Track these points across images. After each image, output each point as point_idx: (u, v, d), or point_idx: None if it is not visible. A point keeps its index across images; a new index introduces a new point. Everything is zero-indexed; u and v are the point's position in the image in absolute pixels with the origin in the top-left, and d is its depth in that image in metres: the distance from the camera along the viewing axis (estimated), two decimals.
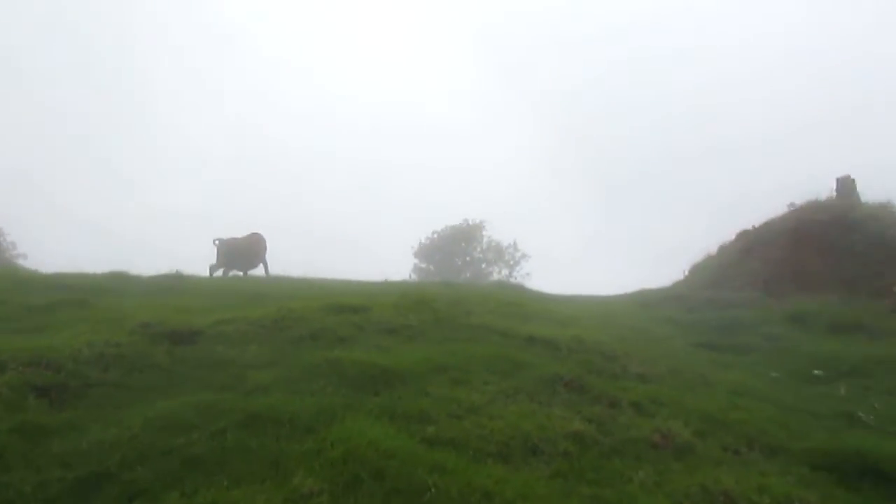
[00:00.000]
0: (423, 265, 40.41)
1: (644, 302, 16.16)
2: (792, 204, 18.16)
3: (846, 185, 17.72)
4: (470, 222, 41.63)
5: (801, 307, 13.35)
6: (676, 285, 18.95)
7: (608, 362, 8.31)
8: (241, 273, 19.66)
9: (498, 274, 40.18)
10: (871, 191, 17.53)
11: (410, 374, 6.82)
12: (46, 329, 8.34)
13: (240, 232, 20.00)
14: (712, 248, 19.94)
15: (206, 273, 18.47)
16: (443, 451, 5.05)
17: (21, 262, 34.39)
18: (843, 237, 15.74)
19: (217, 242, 19.32)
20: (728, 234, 19.66)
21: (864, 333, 11.84)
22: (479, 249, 41.41)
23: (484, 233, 41.56)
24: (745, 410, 7.38)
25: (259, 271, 19.89)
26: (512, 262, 40.92)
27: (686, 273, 20.09)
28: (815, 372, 9.65)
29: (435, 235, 41.28)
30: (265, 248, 20.06)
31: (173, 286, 13.29)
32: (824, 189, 18.20)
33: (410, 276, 38.00)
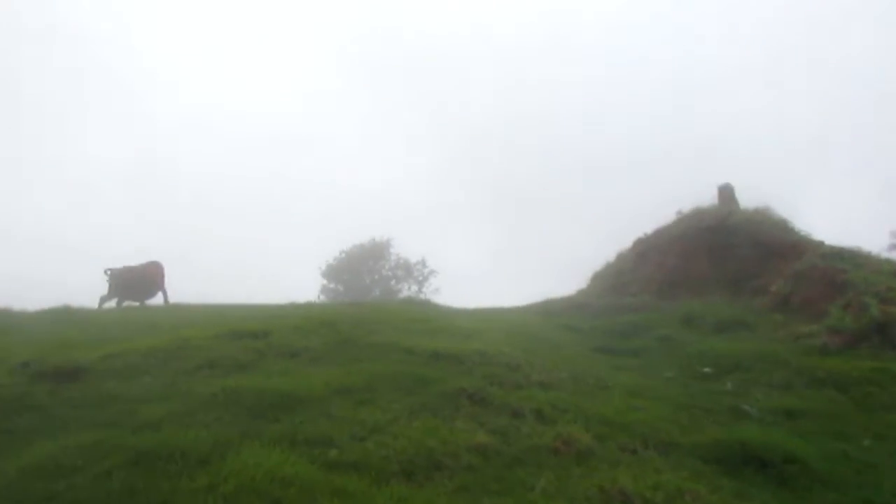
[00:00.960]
0: (332, 286, 39.80)
1: (547, 311, 16.59)
2: (679, 212, 19.16)
3: (726, 193, 18.89)
4: (377, 240, 41.46)
5: (690, 309, 14.11)
6: (579, 294, 19.54)
7: (511, 373, 8.45)
8: (136, 303, 18.74)
9: (407, 291, 40.11)
10: (750, 198, 18.82)
11: (312, 398, 6.69)
12: None
13: (135, 261, 19.10)
14: (612, 257, 20.74)
15: (96, 305, 17.48)
16: (344, 475, 4.98)
17: None
18: (725, 241, 16.77)
19: (108, 273, 18.35)
20: (626, 242, 20.51)
21: (747, 331, 12.65)
22: (387, 267, 41.23)
23: (392, 250, 41.48)
24: (641, 411, 7.70)
25: (158, 301, 19.02)
26: (421, 279, 40.98)
27: (588, 281, 20.75)
28: (705, 369, 10.20)
29: (343, 255, 40.79)
30: (163, 277, 19.21)
31: (60, 320, 12.50)
32: (708, 197, 19.35)
33: (319, 297, 37.37)
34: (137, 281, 18.55)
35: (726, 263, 16.39)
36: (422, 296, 36.94)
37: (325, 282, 40.08)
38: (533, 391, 7.92)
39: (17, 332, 10.80)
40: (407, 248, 42.79)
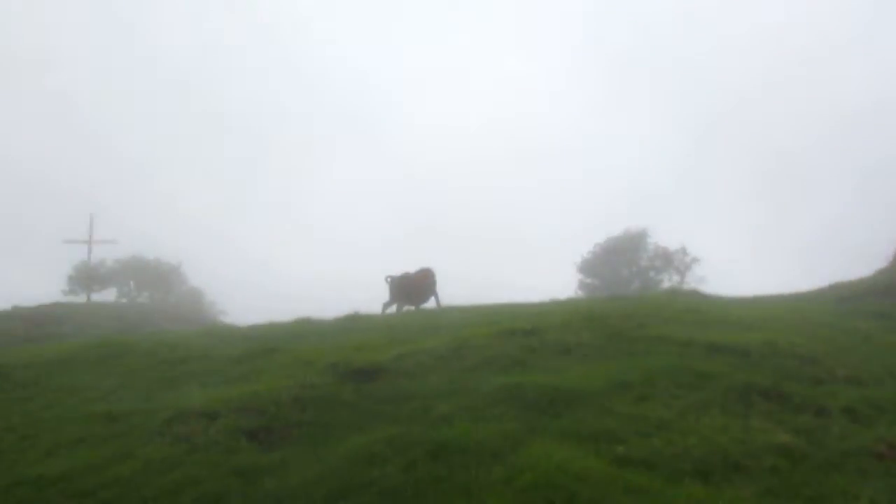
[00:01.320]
0: (589, 280, 39.50)
1: (841, 296, 14.60)
2: None
3: None
4: (631, 230, 40.20)
5: None
6: (878, 274, 16.88)
7: (808, 366, 7.59)
8: (413, 308, 20.31)
9: (669, 281, 38.28)
10: None
11: (591, 393, 6.65)
12: (248, 377, 9.10)
13: (411, 268, 20.74)
14: None
15: (379, 310, 19.29)
16: (635, 472, 4.86)
17: (222, 318, 38.37)
18: None
19: (389, 280, 20.14)
20: None
21: None
22: (645, 258, 39.77)
23: (648, 240, 39.90)
24: None
25: (431, 304, 20.44)
26: (682, 268, 38.82)
27: (890, 259, 17.81)
28: None
29: (597, 248, 40.26)
30: (435, 282, 20.62)
31: (352, 326, 14.03)
32: None
33: (577, 292, 37.32)
34: (414, 287, 20.08)
35: None
36: (685, 286, 34.95)
37: (581, 276, 39.94)
38: (838, 387, 7.02)
39: (318, 338, 12.33)
40: (662, 235, 40.78)
